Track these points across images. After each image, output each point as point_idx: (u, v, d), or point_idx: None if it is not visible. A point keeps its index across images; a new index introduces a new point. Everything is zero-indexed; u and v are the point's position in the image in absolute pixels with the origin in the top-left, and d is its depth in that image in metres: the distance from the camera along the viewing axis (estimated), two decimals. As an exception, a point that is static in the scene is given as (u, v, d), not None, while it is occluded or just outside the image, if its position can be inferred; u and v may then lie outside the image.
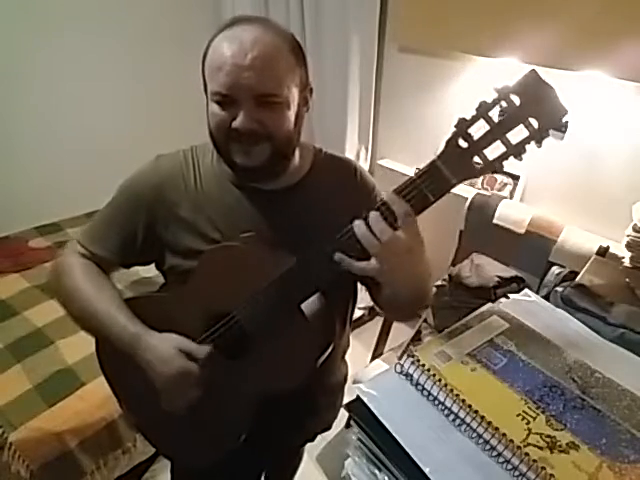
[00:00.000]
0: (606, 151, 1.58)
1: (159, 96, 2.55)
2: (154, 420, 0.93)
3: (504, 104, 0.57)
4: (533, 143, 0.58)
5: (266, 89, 0.73)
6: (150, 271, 0.95)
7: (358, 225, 0.66)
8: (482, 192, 1.85)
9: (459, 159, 0.61)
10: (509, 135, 0.59)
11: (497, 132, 0.59)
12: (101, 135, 2.45)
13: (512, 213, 1.69)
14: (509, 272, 1.60)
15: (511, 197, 1.86)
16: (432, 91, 1.99)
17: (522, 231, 1.65)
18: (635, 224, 1.25)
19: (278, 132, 0.77)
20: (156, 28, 2.47)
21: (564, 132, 1.63)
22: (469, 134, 0.60)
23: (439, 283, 1.71)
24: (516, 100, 0.57)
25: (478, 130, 0.59)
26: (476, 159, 0.61)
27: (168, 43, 2.51)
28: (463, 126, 0.60)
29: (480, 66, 1.76)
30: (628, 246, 1.25)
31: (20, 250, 2.18)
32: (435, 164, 0.62)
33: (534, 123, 0.57)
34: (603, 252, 1.40)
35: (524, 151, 0.59)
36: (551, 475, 0.58)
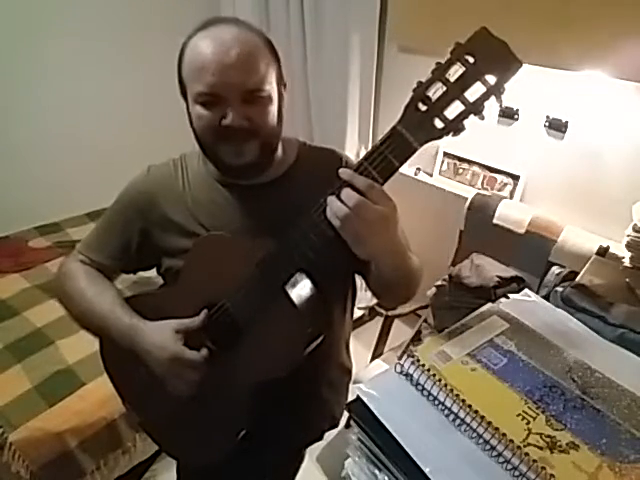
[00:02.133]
0: (606, 151, 1.58)
1: (158, 96, 2.54)
2: (157, 418, 0.94)
3: (458, 64, 0.58)
4: (493, 99, 0.58)
5: (252, 85, 0.74)
6: (150, 272, 0.96)
7: (330, 199, 0.65)
8: (482, 192, 1.85)
9: (420, 122, 0.61)
10: (467, 94, 0.59)
11: (455, 92, 0.59)
12: (101, 135, 2.45)
13: (512, 213, 1.69)
14: (509, 272, 1.60)
15: (511, 197, 1.86)
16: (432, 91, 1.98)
17: (522, 231, 1.65)
18: (635, 224, 1.25)
19: (265, 127, 0.78)
20: (156, 29, 2.47)
21: (562, 131, 1.63)
22: (427, 97, 0.60)
23: (439, 283, 1.71)
24: (470, 59, 0.57)
25: (436, 92, 0.60)
26: (437, 121, 0.61)
27: (168, 43, 2.50)
28: (421, 89, 0.60)
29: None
30: (628, 246, 1.25)
31: (20, 250, 2.18)
32: (396, 129, 0.62)
33: (491, 80, 0.57)
34: (603, 252, 1.40)
35: (483, 108, 0.59)
36: (551, 475, 0.58)
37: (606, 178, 1.60)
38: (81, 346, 1.54)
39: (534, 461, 0.60)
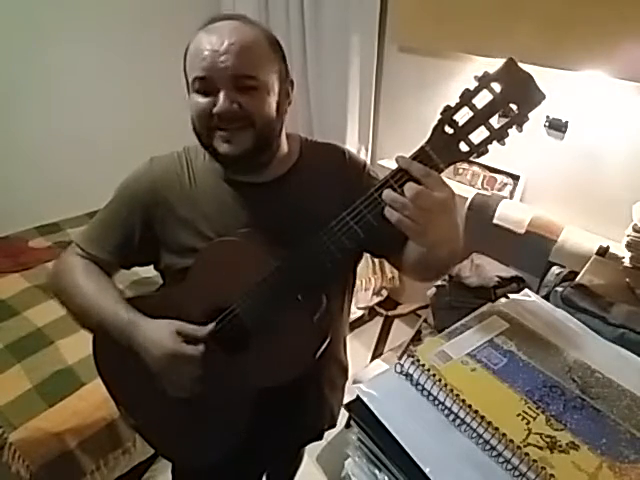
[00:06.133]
0: (606, 151, 1.58)
1: (159, 96, 2.55)
2: (153, 421, 0.93)
3: (486, 91, 0.60)
4: (515, 127, 0.61)
5: (243, 70, 0.74)
6: (150, 271, 0.96)
7: (386, 193, 0.64)
8: (482, 192, 1.85)
9: (446, 144, 0.63)
10: (492, 120, 0.61)
11: (480, 118, 0.61)
12: (101, 135, 2.45)
13: (512, 213, 1.69)
14: (509, 272, 1.60)
15: (511, 197, 1.86)
16: (432, 91, 1.99)
17: (522, 231, 1.65)
18: (635, 224, 1.25)
19: (259, 117, 0.77)
20: (156, 29, 2.47)
21: (562, 131, 1.63)
22: (454, 121, 0.62)
23: (439, 283, 1.71)
24: (496, 87, 0.60)
25: (463, 117, 0.62)
26: (462, 144, 0.63)
27: (168, 43, 2.51)
28: (448, 113, 0.62)
29: (480, 66, 1.76)
30: (628, 246, 1.25)
31: (20, 250, 2.18)
32: (424, 150, 0.64)
33: (514, 108, 0.60)
34: (603, 252, 1.40)
35: (507, 135, 0.62)
36: (551, 475, 0.58)
37: (606, 178, 1.60)
38: (81, 346, 1.54)
39: (534, 461, 0.60)
